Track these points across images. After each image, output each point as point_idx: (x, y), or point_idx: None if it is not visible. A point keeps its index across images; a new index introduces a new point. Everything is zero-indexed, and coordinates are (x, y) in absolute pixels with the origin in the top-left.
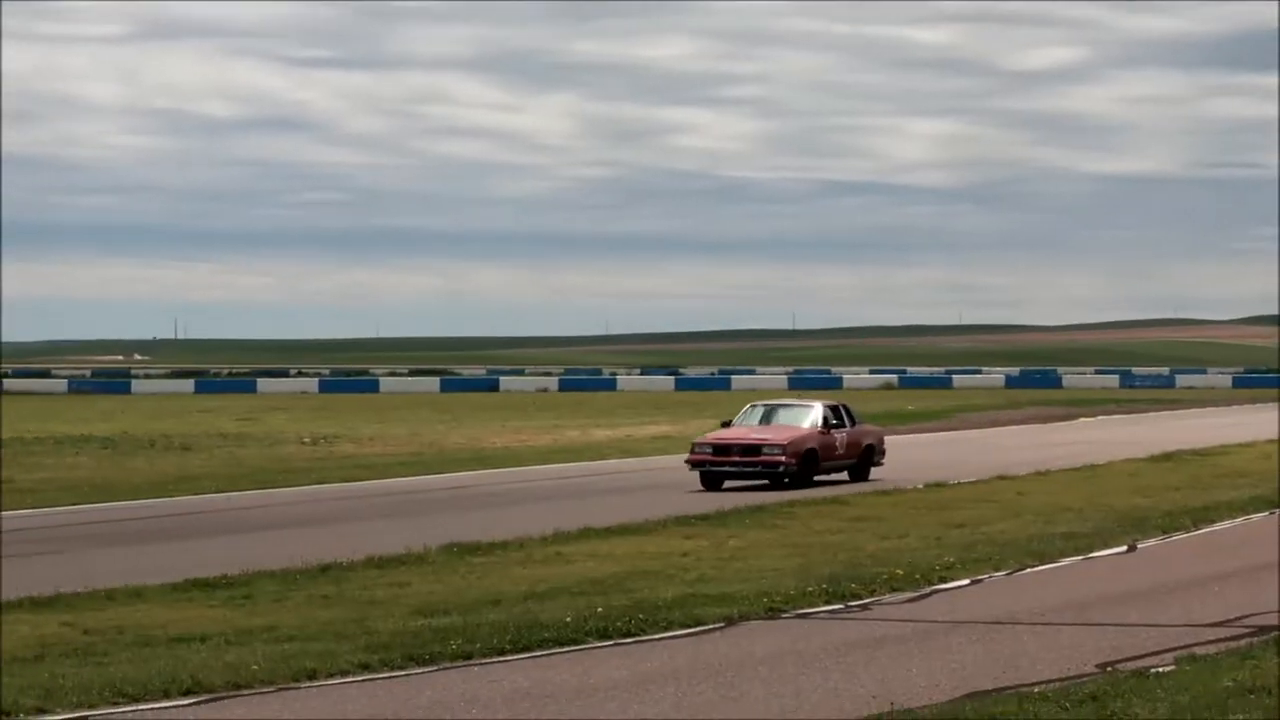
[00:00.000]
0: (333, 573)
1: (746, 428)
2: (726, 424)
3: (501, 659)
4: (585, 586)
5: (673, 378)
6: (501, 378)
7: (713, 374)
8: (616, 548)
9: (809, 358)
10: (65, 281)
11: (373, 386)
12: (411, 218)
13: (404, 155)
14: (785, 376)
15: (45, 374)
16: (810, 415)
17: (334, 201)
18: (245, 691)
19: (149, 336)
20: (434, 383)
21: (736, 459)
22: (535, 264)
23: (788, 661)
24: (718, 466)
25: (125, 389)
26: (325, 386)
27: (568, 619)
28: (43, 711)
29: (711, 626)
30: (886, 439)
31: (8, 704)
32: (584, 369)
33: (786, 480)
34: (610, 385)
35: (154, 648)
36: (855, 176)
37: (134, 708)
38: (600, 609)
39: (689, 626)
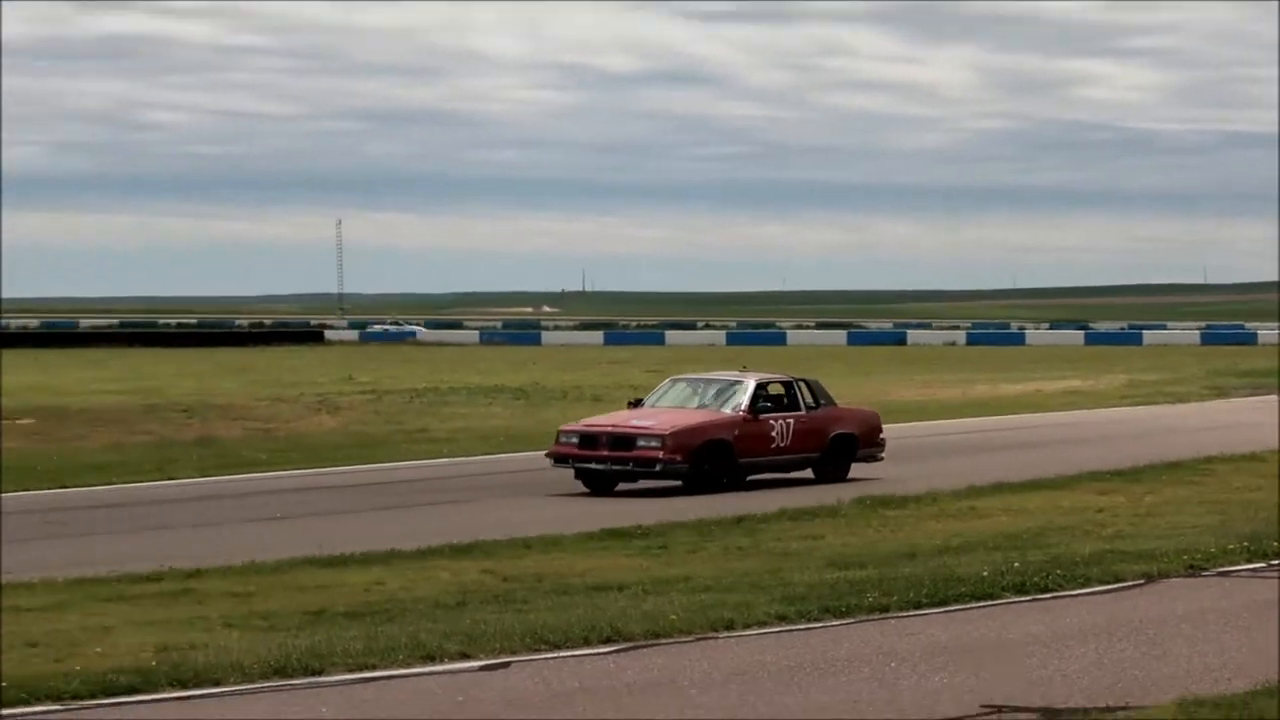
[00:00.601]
0: (746, 524)
1: (626, 412)
2: (636, 403)
3: (918, 612)
4: (1000, 541)
5: (1082, 332)
6: (909, 331)
7: (1122, 328)
8: (1030, 502)
9: (1221, 313)
10: (476, 235)
11: (780, 339)
12: (816, 171)
13: (805, 109)
14: (1197, 332)
15: (458, 325)
16: (735, 395)
17: (738, 155)
18: (664, 640)
19: (558, 289)
20: (840, 336)
21: (605, 453)
22: (940, 217)
23: (1210, 619)
24: (584, 462)
25: (535, 340)
26: (732, 339)
27: (984, 573)
28: (465, 657)
29: (1130, 583)
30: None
31: (433, 649)
32: (991, 323)
33: (682, 482)
34: (1019, 339)
35: (572, 595)
36: (1265, 128)
37: (554, 654)
38: (1016, 564)
39: (1107, 583)
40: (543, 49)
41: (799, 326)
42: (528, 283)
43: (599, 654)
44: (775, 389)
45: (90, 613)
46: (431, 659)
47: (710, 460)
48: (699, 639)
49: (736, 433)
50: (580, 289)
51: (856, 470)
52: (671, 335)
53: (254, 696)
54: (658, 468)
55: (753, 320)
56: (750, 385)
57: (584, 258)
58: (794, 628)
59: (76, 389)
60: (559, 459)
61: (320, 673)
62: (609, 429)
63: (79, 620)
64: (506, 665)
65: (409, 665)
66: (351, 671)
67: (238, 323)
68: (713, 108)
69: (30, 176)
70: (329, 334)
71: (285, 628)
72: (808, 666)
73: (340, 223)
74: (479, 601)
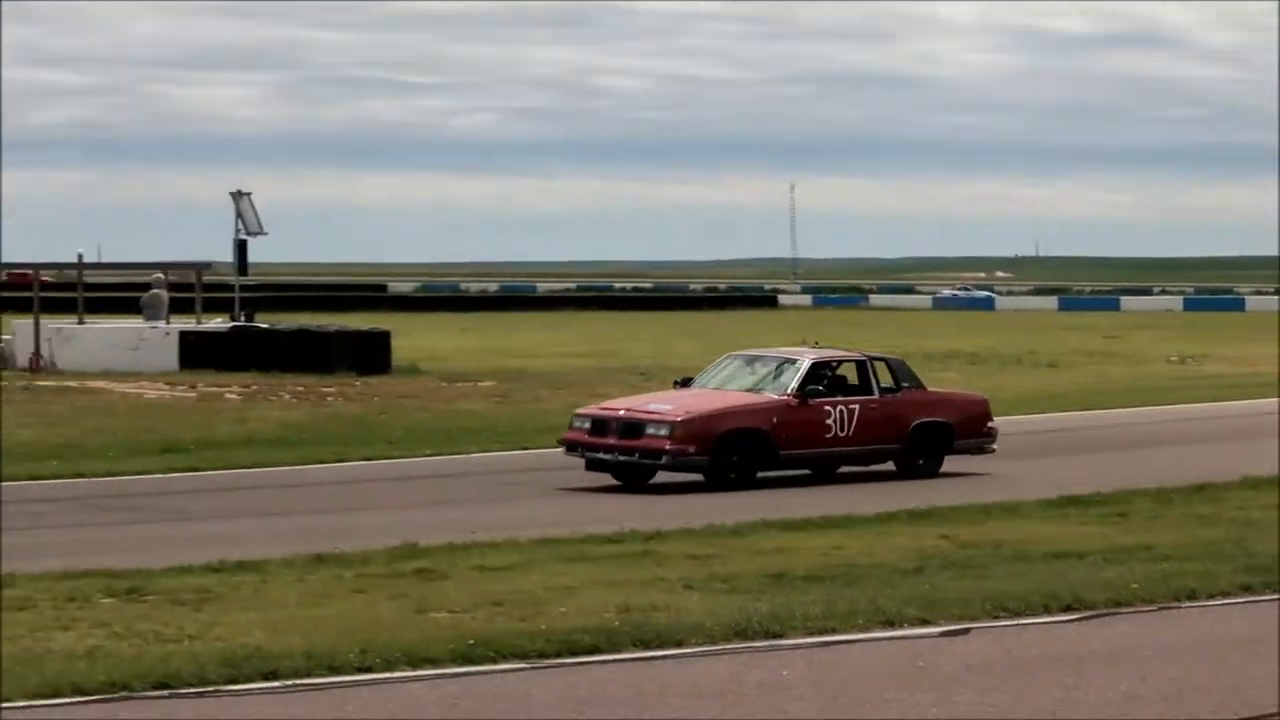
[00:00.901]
0: (1207, 492)
1: (650, 395)
2: (684, 382)
3: None
4: None
5: None
6: None
7: None
8: None
9: None
10: (927, 198)
11: (1238, 305)
12: (1274, 133)
13: (1264, 70)
14: None
15: (909, 290)
16: (784, 376)
17: (1195, 118)
18: (1124, 610)
19: (1010, 254)
20: None
21: (612, 441)
22: None
23: None
24: (594, 451)
25: (989, 305)
26: (1190, 305)
27: None
28: (925, 622)
29: None
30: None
31: (892, 614)
32: None
33: (703, 477)
34: None
35: (1031, 563)
36: None
37: (1014, 621)
38: None
39: None
40: (995, 10)
41: (1258, 292)
42: (980, 247)
43: (1060, 622)
44: (843, 369)
45: (553, 572)
46: (891, 624)
47: (739, 452)
48: (1161, 608)
49: (775, 420)
50: (1034, 254)
51: (957, 465)
52: (1126, 301)
53: (715, 658)
54: (663, 459)
55: (1210, 286)
56: (803, 365)
57: (1037, 222)
58: (1259, 599)
59: (535, 351)
60: (570, 446)
61: (780, 636)
62: (621, 414)
63: (542, 580)
64: (967, 631)
65: (868, 630)
66: (811, 635)
67: (691, 287)
68: (1169, 69)
69: (483, 143)
70: (782, 299)
71: (745, 590)
72: (1274, 638)
73: (794, 187)
74: (937, 567)
